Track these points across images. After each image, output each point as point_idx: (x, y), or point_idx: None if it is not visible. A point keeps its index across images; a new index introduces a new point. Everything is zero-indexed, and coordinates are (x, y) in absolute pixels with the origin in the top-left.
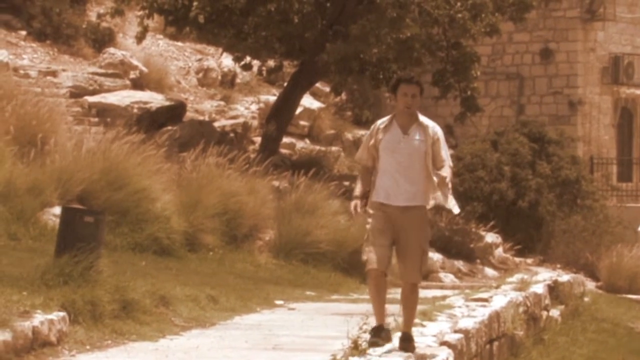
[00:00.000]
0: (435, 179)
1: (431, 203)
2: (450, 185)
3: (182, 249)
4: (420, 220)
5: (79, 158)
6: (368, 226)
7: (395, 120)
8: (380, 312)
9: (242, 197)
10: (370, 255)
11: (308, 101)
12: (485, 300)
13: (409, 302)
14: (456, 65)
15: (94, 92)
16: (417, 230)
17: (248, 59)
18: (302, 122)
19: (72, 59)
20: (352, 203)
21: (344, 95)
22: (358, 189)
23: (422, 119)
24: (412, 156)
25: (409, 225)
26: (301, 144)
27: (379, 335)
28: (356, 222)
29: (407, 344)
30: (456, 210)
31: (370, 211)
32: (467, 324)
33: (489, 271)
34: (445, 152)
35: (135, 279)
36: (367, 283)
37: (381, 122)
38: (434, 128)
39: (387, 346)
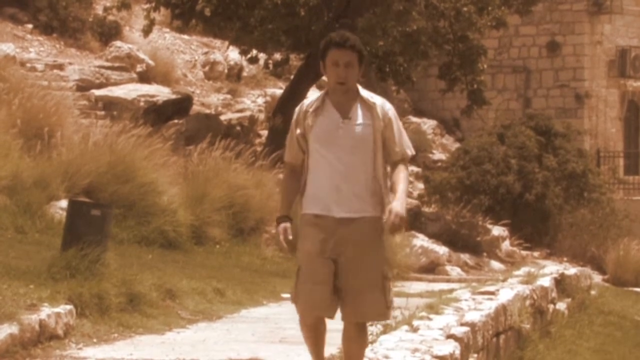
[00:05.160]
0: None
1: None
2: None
3: (188, 242)
4: (374, 235)
5: (85, 151)
6: (298, 253)
7: (329, 99)
8: (319, 356)
9: (249, 191)
10: (305, 298)
11: (315, 94)
12: (492, 293)
13: (355, 349)
14: (463, 58)
15: (100, 86)
16: (370, 249)
17: (254, 52)
18: None
19: (79, 53)
20: (280, 228)
21: None
22: (283, 204)
23: (366, 94)
24: (357, 148)
25: (358, 243)
26: None
27: None
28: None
29: None
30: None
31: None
32: (474, 317)
33: (496, 264)
34: (401, 136)
35: (142, 272)
36: (300, 327)
37: (309, 102)
38: (384, 106)
39: (393, 340)
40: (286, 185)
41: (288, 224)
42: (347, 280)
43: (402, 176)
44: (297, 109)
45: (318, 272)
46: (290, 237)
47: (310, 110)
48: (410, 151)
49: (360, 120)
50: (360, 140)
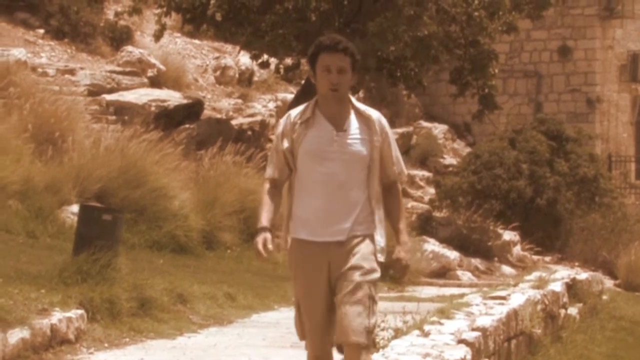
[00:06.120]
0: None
1: (379, 241)
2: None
3: (199, 246)
4: (364, 252)
5: (96, 156)
6: (294, 286)
7: (319, 110)
8: None
9: (260, 195)
10: (309, 339)
11: None
12: (503, 298)
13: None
14: (474, 63)
15: (111, 90)
16: (360, 266)
17: (265, 56)
18: None
19: (90, 57)
20: (259, 238)
21: (361, 93)
22: (265, 215)
23: (360, 106)
24: (352, 163)
25: (348, 260)
26: None
27: None
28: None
29: None
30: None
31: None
32: (485, 322)
33: (507, 269)
34: (397, 155)
35: (153, 277)
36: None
37: (296, 113)
38: (380, 120)
39: (404, 344)
40: (267, 199)
41: (268, 235)
42: (337, 302)
43: (400, 208)
44: (282, 121)
45: (318, 308)
46: (271, 247)
47: (299, 121)
48: (403, 168)
49: (356, 133)
50: (356, 156)
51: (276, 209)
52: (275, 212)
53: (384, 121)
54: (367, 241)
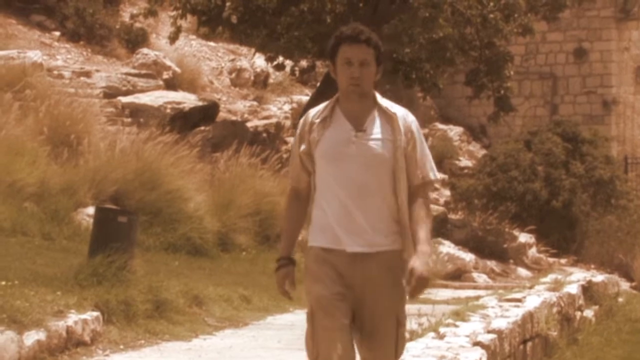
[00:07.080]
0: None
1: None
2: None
3: (215, 249)
4: (391, 274)
5: (112, 158)
6: (308, 296)
7: (339, 107)
8: None
9: (275, 197)
10: (321, 350)
11: None
12: (519, 300)
13: None
14: (489, 64)
15: (127, 93)
16: (386, 291)
17: (281, 59)
18: None
19: (106, 60)
20: (279, 277)
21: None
22: (284, 243)
23: (386, 103)
24: (373, 167)
25: (372, 282)
26: None
27: None
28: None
29: None
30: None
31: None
32: (501, 324)
33: (522, 271)
34: (424, 156)
35: (169, 279)
36: None
37: (315, 112)
38: (406, 117)
39: (419, 347)
40: (288, 216)
41: (290, 270)
42: (358, 326)
43: (422, 215)
44: (301, 121)
45: (335, 318)
46: (292, 287)
47: (317, 121)
48: (434, 175)
49: (377, 133)
50: (377, 158)
51: (297, 228)
52: (297, 232)
53: (411, 119)
54: (393, 259)
